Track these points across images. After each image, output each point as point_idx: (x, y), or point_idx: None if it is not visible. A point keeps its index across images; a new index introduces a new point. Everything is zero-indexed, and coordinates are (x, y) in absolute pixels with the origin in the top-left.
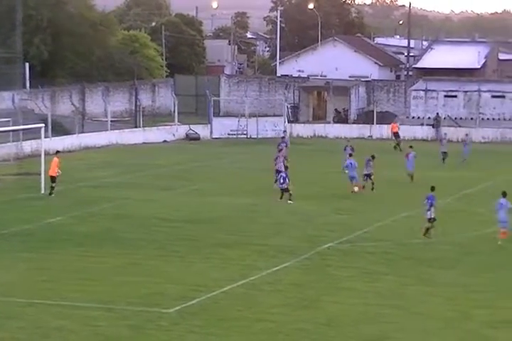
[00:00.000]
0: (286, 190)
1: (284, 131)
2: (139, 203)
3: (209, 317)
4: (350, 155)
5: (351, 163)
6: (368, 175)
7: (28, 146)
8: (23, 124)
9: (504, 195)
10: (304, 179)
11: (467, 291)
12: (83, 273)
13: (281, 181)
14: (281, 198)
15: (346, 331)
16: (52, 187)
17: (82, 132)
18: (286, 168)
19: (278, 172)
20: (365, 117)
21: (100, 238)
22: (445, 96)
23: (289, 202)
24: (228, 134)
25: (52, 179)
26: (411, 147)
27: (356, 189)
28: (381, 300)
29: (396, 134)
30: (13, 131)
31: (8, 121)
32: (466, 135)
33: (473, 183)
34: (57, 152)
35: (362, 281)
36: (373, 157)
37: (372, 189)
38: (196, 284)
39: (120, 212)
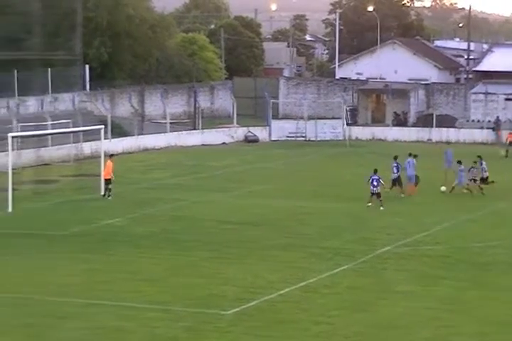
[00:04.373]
0: (378, 195)
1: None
2: (195, 205)
3: (266, 319)
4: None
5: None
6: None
7: (87, 148)
8: (83, 126)
9: None
10: (359, 181)
11: None
12: (140, 274)
13: (375, 184)
14: (369, 202)
15: (403, 334)
16: (109, 189)
17: (141, 134)
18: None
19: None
20: (425, 120)
21: (157, 239)
22: (505, 99)
23: (381, 208)
24: (287, 137)
25: (107, 181)
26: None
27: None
28: (438, 304)
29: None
30: (73, 132)
31: (68, 122)
32: None
33: None
34: (111, 155)
35: (419, 285)
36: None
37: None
38: (253, 286)
39: (177, 213)
